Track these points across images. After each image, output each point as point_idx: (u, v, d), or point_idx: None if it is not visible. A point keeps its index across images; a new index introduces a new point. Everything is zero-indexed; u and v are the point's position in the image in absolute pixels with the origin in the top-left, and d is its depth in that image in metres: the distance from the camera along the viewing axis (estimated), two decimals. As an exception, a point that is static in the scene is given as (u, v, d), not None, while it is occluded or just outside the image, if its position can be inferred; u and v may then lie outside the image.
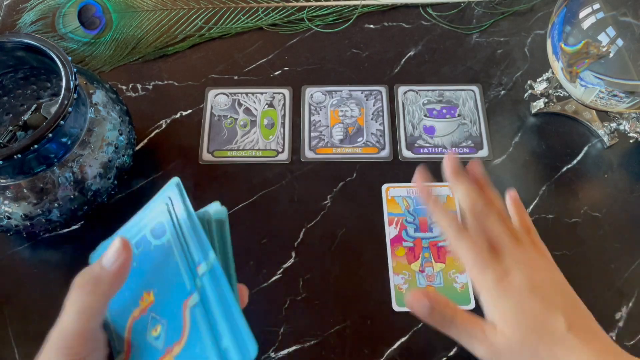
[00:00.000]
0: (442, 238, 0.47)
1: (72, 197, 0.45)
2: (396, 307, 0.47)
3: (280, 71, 0.61)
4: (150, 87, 0.60)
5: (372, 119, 0.57)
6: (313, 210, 0.52)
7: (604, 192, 0.53)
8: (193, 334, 0.26)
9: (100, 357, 0.26)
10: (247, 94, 0.59)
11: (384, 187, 0.53)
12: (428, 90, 0.59)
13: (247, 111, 0.58)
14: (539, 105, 0.56)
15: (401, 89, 0.59)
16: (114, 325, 0.31)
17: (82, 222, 0.51)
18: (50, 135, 0.41)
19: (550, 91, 0.56)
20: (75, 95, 0.42)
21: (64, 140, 0.43)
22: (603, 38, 0.46)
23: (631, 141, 0.55)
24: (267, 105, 0.58)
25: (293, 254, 0.50)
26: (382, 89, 0.59)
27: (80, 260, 0.51)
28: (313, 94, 0.59)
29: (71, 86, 0.42)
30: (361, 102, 0.58)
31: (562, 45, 0.49)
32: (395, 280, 0.48)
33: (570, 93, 0.52)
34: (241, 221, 0.51)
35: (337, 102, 0.58)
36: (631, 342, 0.45)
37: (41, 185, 0.43)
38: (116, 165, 0.48)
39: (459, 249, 0.34)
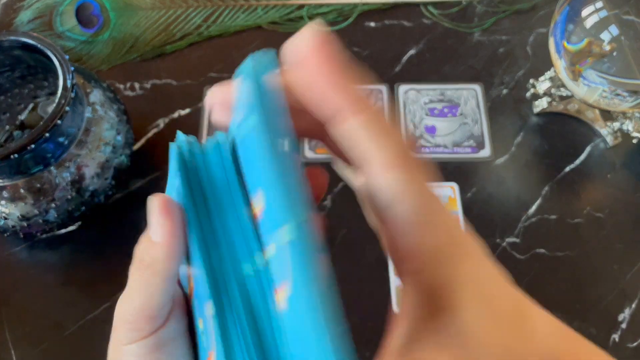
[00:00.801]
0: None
1: (69, 197, 0.45)
2: (397, 308, 0.47)
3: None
4: (148, 86, 0.59)
5: (372, 118, 0.57)
6: (313, 210, 0.51)
7: (606, 192, 0.52)
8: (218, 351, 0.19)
9: (180, 328, 0.22)
10: (246, 93, 0.59)
11: (385, 187, 0.52)
12: (429, 89, 0.59)
13: (247, 110, 0.58)
14: (541, 104, 0.56)
15: (402, 88, 0.59)
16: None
17: (79, 222, 0.51)
18: (47, 134, 0.40)
19: (552, 90, 0.56)
20: (73, 95, 0.42)
21: (61, 139, 0.43)
22: (606, 36, 0.45)
23: (634, 141, 0.54)
24: (266, 105, 0.58)
25: (293, 255, 0.49)
26: (383, 88, 0.59)
27: (78, 261, 0.51)
28: (313, 93, 0.59)
29: (68, 85, 0.42)
30: (361, 101, 0.58)
31: (565, 44, 0.48)
32: (395, 280, 0.48)
33: (573, 92, 0.51)
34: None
35: (337, 101, 0.58)
36: (634, 344, 0.45)
37: (38, 185, 0.43)
38: (114, 165, 0.47)
39: None
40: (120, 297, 0.22)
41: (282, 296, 0.17)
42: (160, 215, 0.21)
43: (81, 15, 0.63)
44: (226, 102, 0.21)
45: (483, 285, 0.18)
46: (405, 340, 0.19)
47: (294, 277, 0.17)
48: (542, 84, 0.56)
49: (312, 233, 0.17)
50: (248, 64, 0.21)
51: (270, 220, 0.18)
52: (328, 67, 0.19)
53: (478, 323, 0.18)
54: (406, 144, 0.19)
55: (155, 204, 0.21)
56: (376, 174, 0.18)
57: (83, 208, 0.46)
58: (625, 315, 0.46)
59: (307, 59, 0.20)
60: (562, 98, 0.57)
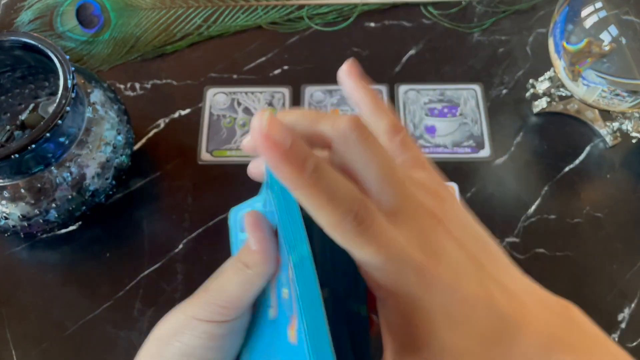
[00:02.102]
0: None
1: (69, 197, 0.45)
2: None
3: (279, 70, 0.60)
4: (149, 86, 0.59)
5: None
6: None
7: (606, 192, 0.53)
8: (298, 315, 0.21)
9: (245, 324, 0.26)
10: (246, 93, 0.59)
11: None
12: (429, 90, 0.59)
13: (247, 110, 0.58)
14: (540, 104, 0.56)
15: (402, 88, 0.59)
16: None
17: (80, 222, 0.51)
18: (48, 134, 0.40)
19: (552, 90, 0.56)
20: (73, 95, 0.42)
21: (61, 139, 0.43)
22: (605, 37, 0.45)
23: (634, 141, 0.54)
24: (266, 105, 0.58)
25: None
26: (383, 88, 0.59)
27: (78, 261, 0.51)
28: (313, 93, 0.59)
29: (69, 85, 0.42)
30: (361, 102, 0.58)
31: (565, 44, 0.48)
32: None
33: (573, 92, 0.51)
34: (240, 221, 0.51)
35: (338, 102, 0.58)
36: (634, 344, 0.45)
37: (39, 185, 0.43)
38: (114, 165, 0.47)
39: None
40: (211, 286, 0.25)
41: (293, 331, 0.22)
42: (253, 229, 0.24)
43: (82, 16, 0.63)
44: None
45: (452, 310, 0.21)
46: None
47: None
48: (542, 84, 0.56)
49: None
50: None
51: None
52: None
53: (456, 342, 0.21)
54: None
55: (248, 221, 0.25)
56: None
57: (84, 208, 0.47)
58: (624, 315, 0.46)
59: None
60: (561, 98, 0.57)
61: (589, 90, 0.48)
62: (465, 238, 0.23)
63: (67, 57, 0.43)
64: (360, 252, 0.20)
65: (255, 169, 0.26)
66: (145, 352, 0.28)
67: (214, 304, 0.25)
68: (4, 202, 0.43)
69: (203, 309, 0.25)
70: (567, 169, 0.54)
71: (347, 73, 0.28)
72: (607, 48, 0.46)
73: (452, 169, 0.54)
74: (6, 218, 0.44)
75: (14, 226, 0.45)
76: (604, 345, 0.24)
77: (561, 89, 0.56)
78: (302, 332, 0.20)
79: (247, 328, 0.26)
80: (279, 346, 0.23)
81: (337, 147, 0.22)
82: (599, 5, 0.46)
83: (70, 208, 0.45)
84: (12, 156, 0.39)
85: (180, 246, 0.50)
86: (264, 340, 0.25)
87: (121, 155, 0.48)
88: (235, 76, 0.60)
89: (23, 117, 0.48)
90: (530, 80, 0.57)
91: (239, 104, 0.58)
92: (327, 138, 0.22)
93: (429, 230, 0.22)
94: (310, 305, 0.20)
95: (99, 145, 0.46)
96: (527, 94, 0.57)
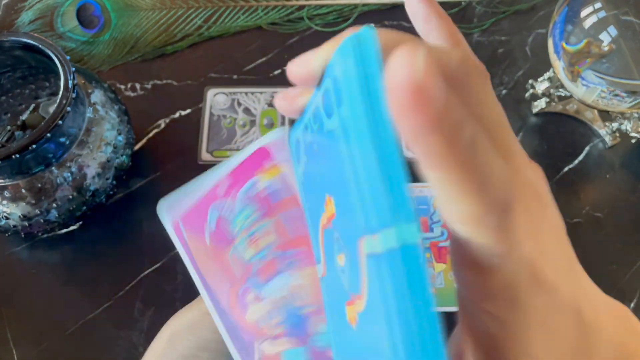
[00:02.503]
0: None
1: (70, 197, 0.45)
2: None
3: (280, 70, 0.60)
4: (149, 86, 0.60)
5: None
6: (313, 210, 0.51)
7: (605, 192, 0.53)
8: (372, 297, 0.15)
9: None
10: (246, 93, 0.59)
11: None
12: (429, 90, 0.59)
13: (247, 111, 0.58)
14: (540, 104, 0.56)
15: (401, 89, 0.59)
16: (311, 221, 0.20)
17: (80, 222, 0.51)
18: (48, 135, 0.40)
19: (551, 91, 0.56)
20: (74, 95, 0.42)
21: (62, 140, 0.43)
22: (605, 37, 0.46)
23: (633, 141, 0.55)
24: (266, 105, 0.58)
25: (293, 255, 0.49)
26: (383, 89, 0.59)
27: (79, 261, 0.51)
28: (313, 93, 0.59)
29: (69, 85, 0.42)
30: (361, 102, 0.58)
31: (564, 45, 0.48)
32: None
33: (572, 92, 0.51)
34: (241, 221, 0.51)
35: (337, 102, 0.58)
36: (633, 343, 0.45)
37: (39, 185, 0.43)
38: (115, 165, 0.47)
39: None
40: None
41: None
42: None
43: (82, 16, 0.63)
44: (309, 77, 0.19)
45: (548, 317, 0.17)
46: None
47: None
48: (541, 85, 0.56)
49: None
50: (351, 43, 0.16)
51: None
52: None
53: (547, 355, 0.17)
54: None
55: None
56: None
57: (84, 208, 0.47)
58: (624, 314, 0.46)
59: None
60: (561, 98, 0.57)
61: (589, 91, 0.48)
62: (561, 231, 0.19)
63: (68, 57, 0.43)
64: (490, 246, 0.16)
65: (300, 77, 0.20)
66: (158, 345, 0.29)
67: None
68: (4, 202, 0.43)
69: (193, 333, 0.26)
70: (566, 169, 0.54)
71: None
72: (606, 48, 0.46)
73: (451, 169, 0.54)
74: (7, 218, 0.44)
75: (14, 226, 0.45)
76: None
77: (560, 90, 0.56)
78: (390, 338, 0.14)
79: None
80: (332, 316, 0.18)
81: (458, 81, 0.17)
82: (598, 5, 0.46)
83: (71, 208, 0.46)
84: (13, 156, 0.39)
85: (181, 246, 0.50)
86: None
87: (122, 155, 0.48)
88: (235, 76, 0.60)
89: (24, 117, 0.48)
90: (530, 81, 0.57)
91: (239, 104, 0.58)
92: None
93: (537, 220, 0.18)
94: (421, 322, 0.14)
95: (100, 146, 0.46)
96: (527, 95, 0.57)
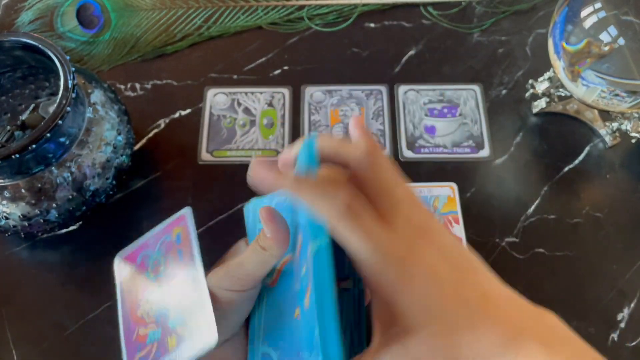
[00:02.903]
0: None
1: (70, 197, 0.45)
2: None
3: (279, 70, 0.60)
4: (149, 86, 0.60)
5: (372, 119, 0.57)
6: (313, 210, 0.51)
7: (605, 192, 0.53)
8: (312, 295, 0.26)
9: (256, 293, 0.31)
10: (246, 93, 0.59)
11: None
12: (429, 90, 0.59)
13: (247, 111, 0.58)
14: (540, 104, 0.56)
15: (402, 89, 0.59)
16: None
17: (80, 222, 0.51)
18: (48, 135, 0.40)
19: (551, 91, 0.56)
20: (74, 95, 0.42)
21: (62, 140, 0.43)
22: (605, 37, 0.46)
23: (633, 141, 0.55)
24: (266, 105, 0.58)
25: (293, 255, 0.49)
26: (383, 89, 0.59)
27: (79, 261, 0.51)
28: (313, 93, 0.59)
29: (69, 85, 0.42)
30: (361, 102, 0.58)
31: (564, 45, 0.48)
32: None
33: (572, 92, 0.51)
34: (240, 222, 0.51)
35: (337, 102, 0.58)
36: (633, 343, 0.45)
37: (39, 185, 0.43)
38: (114, 165, 0.47)
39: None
40: (231, 263, 0.31)
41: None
42: (267, 221, 0.29)
43: (82, 16, 0.63)
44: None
45: (428, 303, 0.25)
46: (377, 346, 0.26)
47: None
48: (541, 85, 0.56)
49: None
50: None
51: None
52: None
53: (429, 329, 0.25)
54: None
55: (263, 214, 0.29)
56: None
57: (84, 208, 0.47)
58: (624, 314, 0.46)
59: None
60: (561, 98, 0.57)
61: (589, 91, 0.48)
62: (447, 249, 0.27)
63: (68, 57, 0.43)
64: (351, 244, 0.25)
65: (259, 179, 0.28)
66: None
67: (234, 276, 0.30)
68: (4, 202, 0.43)
69: (224, 280, 0.30)
70: (566, 169, 0.54)
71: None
72: (606, 48, 0.46)
73: (451, 169, 0.54)
74: (7, 218, 0.44)
75: (14, 226, 0.45)
76: (573, 340, 0.25)
77: (561, 90, 0.56)
78: (312, 296, 0.25)
79: (256, 297, 0.32)
80: (291, 313, 0.29)
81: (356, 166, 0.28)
82: (598, 5, 0.46)
83: (71, 208, 0.46)
84: (13, 156, 0.39)
85: (181, 246, 0.50)
86: (285, 309, 0.30)
87: (121, 155, 0.48)
88: (235, 76, 0.60)
89: (23, 117, 0.48)
90: (530, 81, 0.57)
91: (239, 104, 0.58)
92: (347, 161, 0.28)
93: (414, 236, 0.26)
94: (321, 273, 0.25)
95: (100, 146, 0.46)
96: (527, 94, 0.57)
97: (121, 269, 0.37)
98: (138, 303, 0.35)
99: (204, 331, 0.29)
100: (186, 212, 0.35)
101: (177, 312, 0.32)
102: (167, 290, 0.33)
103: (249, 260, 0.30)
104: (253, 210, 0.35)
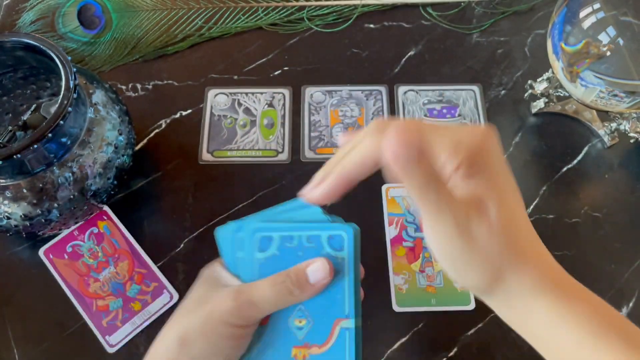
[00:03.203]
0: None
1: (71, 197, 0.45)
2: (396, 308, 0.47)
3: (280, 71, 0.61)
4: (150, 86, 0.60)
5: (372, 119, 0.57)
6: (313, 210, 0.52)
7: (604, 192, 0.53)
8: (336, 349, 0.30)
9: (253, 330, 0.30)
10: (246, 93, 0.59)
11: (384, 187, 0.53)
12: (428, 90, 0.59)
13: (247, 111, 0.58)
14: (539, 105, 0.56)
15: (401, 89, 0.59)
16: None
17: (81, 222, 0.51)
18: (49, 135, 0.41)
19: (550, 91, 0.56)
20: (75, 95, 0.42)
21: (63, 140, 0.43)
22: (603, 38, 0.46)
23: (631, 141, 0.55)
24: (267, 105, 0.58)
25: (293, 254, 0.49)
26: (382, 89, 0.59)
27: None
28: (313, 93, 0.59)
29: (71, 86, 0.42)
30: (361, 102, 0.58)
31: (563, 45, 0.49)
32: (395, 280, 0.48)
33: (571, 93, 0.51)
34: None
35: (337, 102, 0.58)
36: (632, 343, 0.45)
37: (41, 185, 0.43)
38: (116, 165, 0.47)
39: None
40: (242, 291, 0.29)
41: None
42: (327, 275, 0.30)
43: (83, 17, 0.63)
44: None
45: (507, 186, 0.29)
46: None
47: None
48: (540, 85, 0.56)
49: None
50: None
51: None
52: None
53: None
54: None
55: (325, 266, 0.30)
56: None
57: (85, 208, 0.47)
58: (622, 314, 0.47)
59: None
60: (559, 99, 0.57)
61: (587, 91, 0.49)
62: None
63: (69, 58, 0.44)
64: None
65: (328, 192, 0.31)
66: (166, 348, 0.29)
67: (247, 313, 0.29)
68: (6, 202, 0.44)
69: (235, 316, 0.29)
70: (565, 169, 0.54)
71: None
72: (605, 49, 0.46)
73: (451, 169, 0.54)
74: (8, 218, 0.44)
75: (15, 226, 0.45)
76: (592, 295, 0.29)
77: (559, 90, 0.56)
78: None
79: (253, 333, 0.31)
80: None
81: None
82: (597, 6, 0.46)
83: (72, 208, 0.46)
84: (14, 156, 0.40)
85: (182, 245, 0.51)
86: (278, 341, 0.31)
87: (123, 155, 0.48)
88: (235, 77, 0.60)
89: (25, 117, 0.48)
90: (529, 81, 0.57)
91: (240, 104, 0.58)
92: None
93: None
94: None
95: (101, 146, 0.46)
96: (526, 95, 0.58)
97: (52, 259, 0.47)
98: (88, 283, 0.47)
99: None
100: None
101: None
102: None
103: (267, 298, 0.29)
104: (226, 239, 0.32)
